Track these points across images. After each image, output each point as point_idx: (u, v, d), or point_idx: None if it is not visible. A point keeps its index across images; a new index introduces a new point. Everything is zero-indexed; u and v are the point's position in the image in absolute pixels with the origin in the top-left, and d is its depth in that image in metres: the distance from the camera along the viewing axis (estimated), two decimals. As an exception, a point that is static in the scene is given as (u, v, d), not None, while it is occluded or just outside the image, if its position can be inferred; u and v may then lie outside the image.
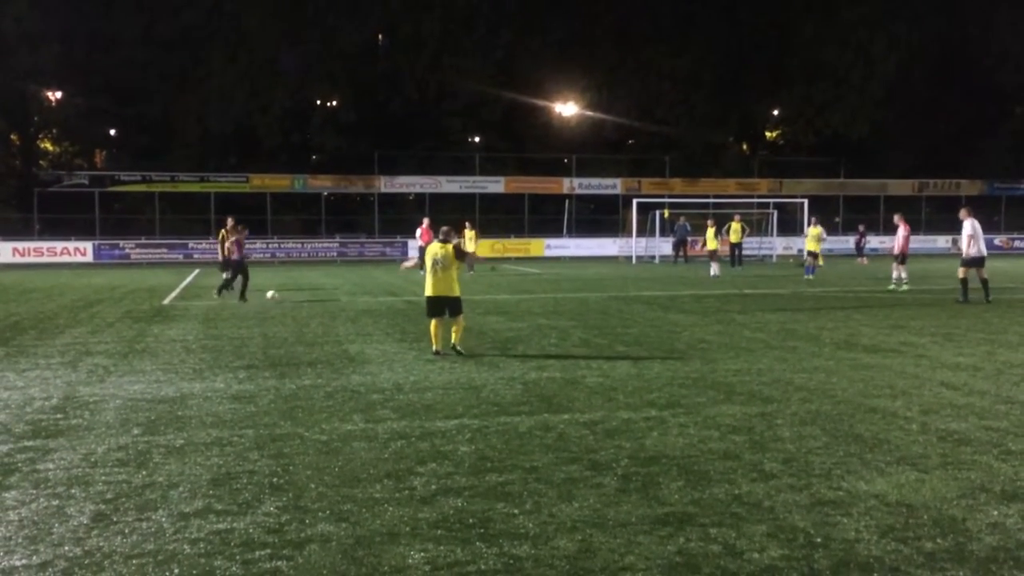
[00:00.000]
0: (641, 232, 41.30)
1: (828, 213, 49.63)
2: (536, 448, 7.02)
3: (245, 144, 48.67)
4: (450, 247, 11.63)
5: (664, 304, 18.82)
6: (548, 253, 44.11)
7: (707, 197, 46.03)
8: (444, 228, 12.08)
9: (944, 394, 8.98)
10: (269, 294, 20.05)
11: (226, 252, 21.10)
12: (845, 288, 23.16)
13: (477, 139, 55.72)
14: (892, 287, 22.55)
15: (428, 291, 11.67)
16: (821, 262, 26.86)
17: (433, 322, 11.66)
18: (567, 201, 46.85)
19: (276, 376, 10.28)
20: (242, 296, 19.77)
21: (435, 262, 11.58)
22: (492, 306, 18.59)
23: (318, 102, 53.81)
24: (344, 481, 6.18)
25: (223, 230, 21.57)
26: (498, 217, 46.91)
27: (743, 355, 11.58)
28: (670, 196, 45.40)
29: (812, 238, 27.27)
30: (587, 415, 8.14)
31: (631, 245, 41.22)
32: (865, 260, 36.80)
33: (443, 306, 11.62)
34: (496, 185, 46.90)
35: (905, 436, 7.31)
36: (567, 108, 52.98)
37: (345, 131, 50.50)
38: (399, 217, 47.69)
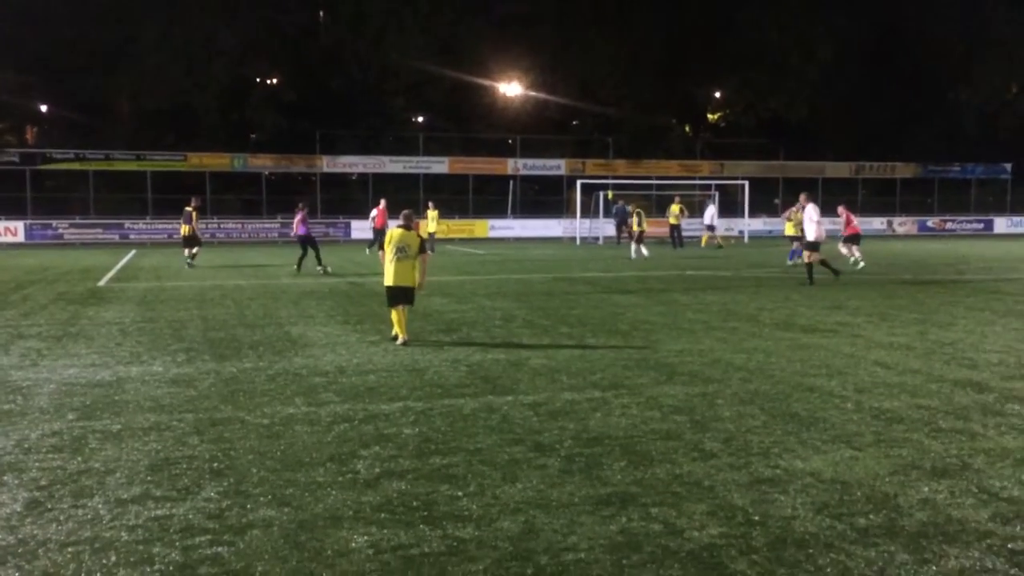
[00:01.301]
0: (585, 213, 41.54)
1: (768, 195, 50.48)
2: (480, 430, 7.03)
3: (182, 122, 47.67)
4: (414, 235, 11.11)
5: (607, 285, 18.95)
6: (493, 234, 44.12)
7: (650, 179, 46.46)
8: (405, 212, 11.45)
9: (878, 373, 9.21)
10: (326, 269, 21.89)
11: (192, 228, 24.21)
12: (783, 269, 23.56)
13: (421, 119, 55.33)
14: (858, 264, 23.52)
15: (388, 280, 11.08)
16: (858, 253, 25.88)
17: (394, 311, 11.21)
18: (511, 182, 46.86)
19: (216, 359, 10.14)
20: (320, 265, 22.04)
21: (397, 249, 11.01)
22: (436, 288, 18.52)
23: (258, 80, 52.87)
24: (286, 465, 6.13)
25: (189, 208, 24.36)
26: (442, 198, 46.56)
27: (685, 336, 11.73)
28: (614, 177, 45.74)
29: (791, 225, 26.87)
30: (531, 397, 8.17)
31: (575, 226, 41.43)
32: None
33: (403, 295, 11.13)
34: (440, 165, 46.69)
35: (840, 415, 7.48)
36: (511, 88, 52.91)
37: (286, 110, 49.77)
38: (342, 197, 47.25)
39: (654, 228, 41.56)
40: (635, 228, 28.76)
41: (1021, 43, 55.35)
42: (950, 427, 7.08)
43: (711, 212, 35.86)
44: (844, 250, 24.30)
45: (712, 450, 6.46)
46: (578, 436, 6.84)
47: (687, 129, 62.42)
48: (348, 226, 43.06)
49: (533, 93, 53.36)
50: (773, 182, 51.36)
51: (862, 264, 23.48)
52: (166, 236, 39.55)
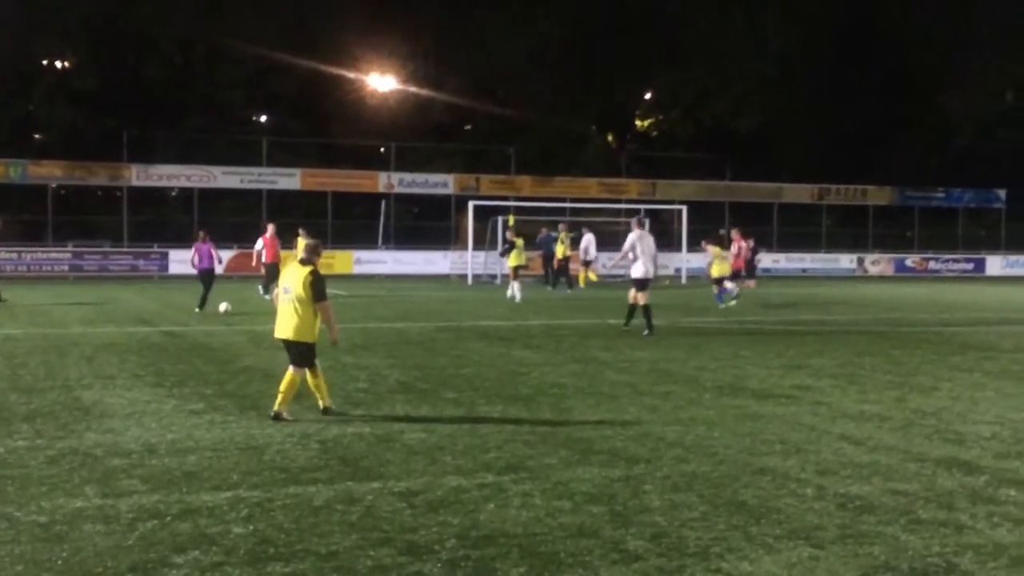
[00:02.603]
0: (479, 244, 41.73)
1: (711, 223, 51.71)
2: (336, 527, 6.94)
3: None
4: (305, 274, 10.72)
5: (507, 337, 19.03)
6: (358, 270, 43.94)
7: (563, 200, 47.02)
8: (310, 243, 11.17)
9: (845, 450, 9.47)
10: (222, 307, 23.04)
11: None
12: (731, 318, 24.11)
13: (264, 118, 54.92)
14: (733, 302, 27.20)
15: (276, 329, 11.02)
16: (737, 291, 28.76)
17: (289, 373, 10.94)
18: (383, 202, 46.80)
19: (-23, 435, 9.76)
20: (201, 307, 23.49)
21: (284, 290, 10.88)
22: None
23: (44, 62, 51.70)
24: (71, 578, 5.93)
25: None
26: (293, 221, 46.16)
27: (605, 403, 11.84)
28: (516, 198, 46.11)
29: (716, 261, 28.64)
30: (404, 483, 8.10)
31: (466, 260, 41.57)
32: (753, 283, 38.52)
33: (289, 351, 10.93)
34: (290, 179, 46.37)
35: (798, 503, 7.65)
36: (384, 82, 53.08)
37: (82, 102, 48.77)
38: (157, 219, 46.34)
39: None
40: (514, 262, 30.29)
41: (1020, 41, 57.98)
42: (932, 518, 7.31)
43: (588, 241, 37.50)
44: (731, 285, 27.64)
45: (637, 550, 6.50)
46: (464, 534, 6.80)
47: (610, 139, 63.67)
48: (165, 257, 42.21)
49: (413, 89, 53.68)
50: (717, 207, 52.60)
51: (733, 303, 26.94)
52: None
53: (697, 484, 8.15)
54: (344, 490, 7.89)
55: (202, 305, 23.74)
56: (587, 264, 37.37)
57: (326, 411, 10.93)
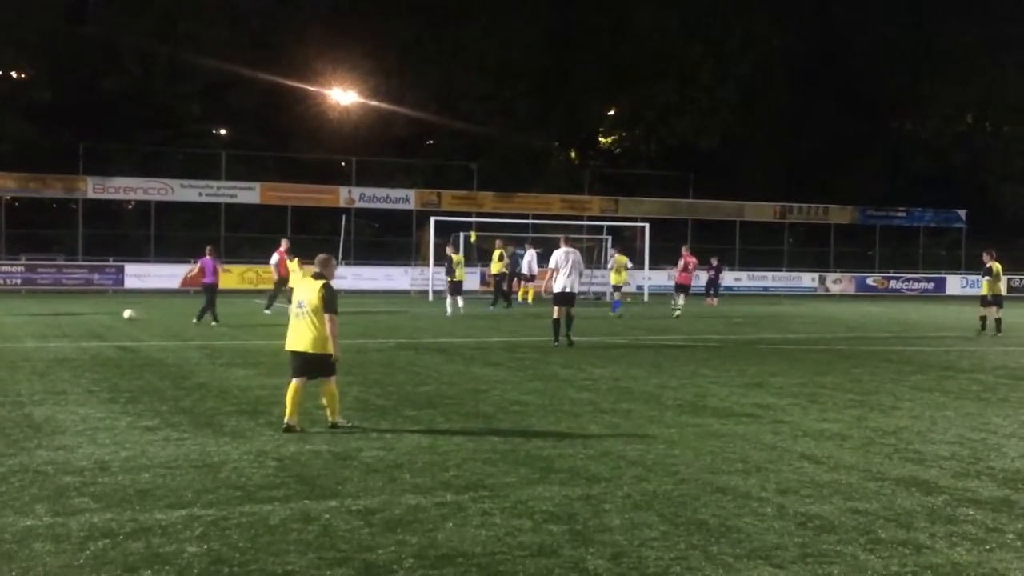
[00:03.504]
0: (440, 260, 41.69)
1: (674, 240, 51.98)
2: (292, 546, 6.90)
3: None
4: (319, 287, 11.00)
5: (468, 354, 19.02)
6: (317, 286, 43.72)
7: (526, 217, 47.16)
8: (321, 257, 11.49)
9: (805, 469, 9.53)
10: (127, 313, 24.22)
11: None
12: (692, 336, 24.24)
13: (223, 131, 54.66)
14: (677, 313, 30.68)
15: (289, 343, 11.12)
16: (682, 303, 31.72)
17: (294, 383, 11.03)
18: (344, 217, 46.66)
19: (-76, 452, 9.63)
20: (200, 319, 24.48)
21: (298, 304, 11.07)
22: (238, 355, 18.18)
23: (-1, 73, 51.27)
24: (19, 598, 5.85)
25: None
26: (251, 236, 46.10)
27: (565, 421, 11.86)
28: (479, 214, 46.19)
29: (616, 268, 32.26)
30: (362, 501, 8.07)
31: (427, 277, 41.54)
32: (715, 300, 38.80)
33: (307, 365, 11.04)
34: (249, 193, 46.18)
35: (758, 522, 7.69)
36: (345, 96, 53.00)
37: (37, 114, 48.38)
38: (114, 233, 45.95)
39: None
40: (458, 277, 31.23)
41: (976, 62, 59.08)
42: (891, 537, 7.37)
43: (530, 257, 38.61)
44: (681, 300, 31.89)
45: (597, 570, 6.51)
46: (423, 553, 6.78)
47: (572, 155, 63.92)
48: (121, 271, 41.87)
49: (374, 103, 53.62)
50: (679, 224, 52.95)
51: (678, 314, 30.48)
52: None
53: (657, 503, 8.17)
54: (301, 508, 7.85)
55: (203, 316, 24.54)
56: (529, 280, 38.26)
57: (338, 425, 11.18)
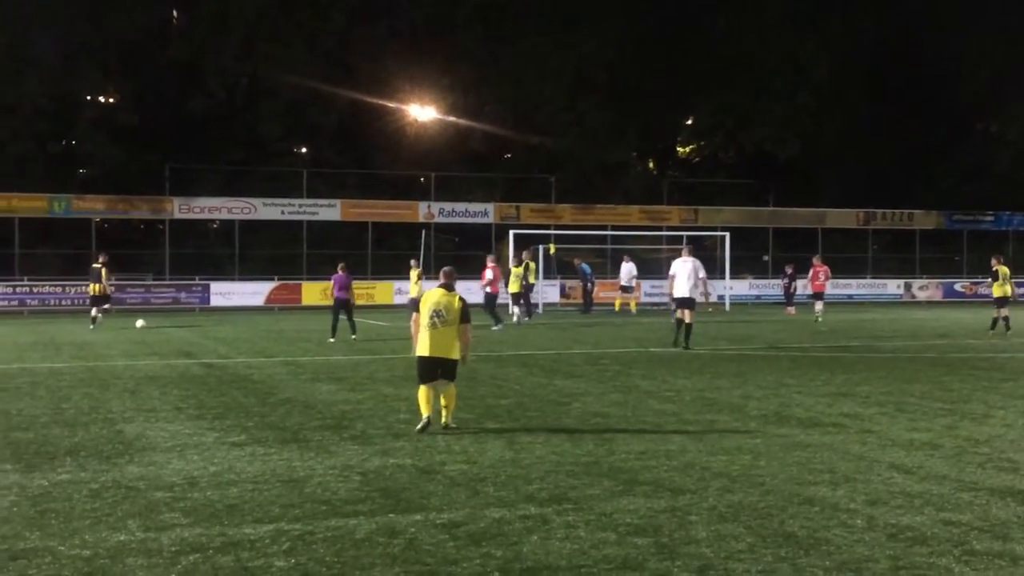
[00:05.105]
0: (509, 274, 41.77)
1: (754, 249, 51.52)
2: (378, 560, 6.92)
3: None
4: (457, 298, 12.07)
5: (549, 366, 19.00)
6: (399, 300, 44.03)
7: (604, 229, 47.06)
8: (446, 269, 12.57)
9: (895, 479, 9.35)
10: (139, 323, 26.58)
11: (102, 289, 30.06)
12: (775, 345, 23.96)
13: (304, 150, 55.35)
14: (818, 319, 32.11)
15: (422, 350, 11.89)
16: (820, 308, 33.57)
17: (423, 388, 11.85)
18: (424, 232, 46.96)
19: (21, 469, 9.85)
20: (353, 333, 25.27)
21: (435, 314, 11.87)
22: (322, 370, 18.35)
23: (87, 97, 52.44)
24: (113, 612, 5.95)
25: (97, 264, 30.40)
26: (333, 252, 46.54)
27: (648, 433, 11.78)
28: (557, 227, 46.20)
29: (515, 278, 32.72)
30: (446, 515, 8.09)
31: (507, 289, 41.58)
32: (793, 309, 38.35)
33: (438, 369, 11.88)
34: (330, 210, 46.69)
35: (848, 534, 7.55)
36: (423, 112, 53.38)
37: (124, 137, 49.38)
38: (199, 252, 46.74)
39: (612, 292, 42.53)
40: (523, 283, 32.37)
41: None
42: (986, 549, 7.20)
43: (629, 270, 38.91)
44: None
45: (683, 583, 6.45)
46: (508, 567, 6.77)
47: (651, 166, 63.66)
48: (206, 290, 42.58)
49: (452, 119, 53.93)
50: (760, 233, 52.45)
51: (819, 320, 32.32)
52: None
53: (744, 515, 8.08)
54: (386, 522, 7.88)
55: (335, 333, 24.92)
56: (626, 290, 38.92)
57: (447, 426, 11.87)
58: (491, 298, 30.52)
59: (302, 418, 12.80)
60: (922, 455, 10.47)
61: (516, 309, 32.40)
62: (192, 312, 40.54)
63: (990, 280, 29.57)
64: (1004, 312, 27.38)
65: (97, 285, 30.18)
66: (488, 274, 31.23)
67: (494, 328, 28.25)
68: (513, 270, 32.69)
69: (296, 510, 8.28)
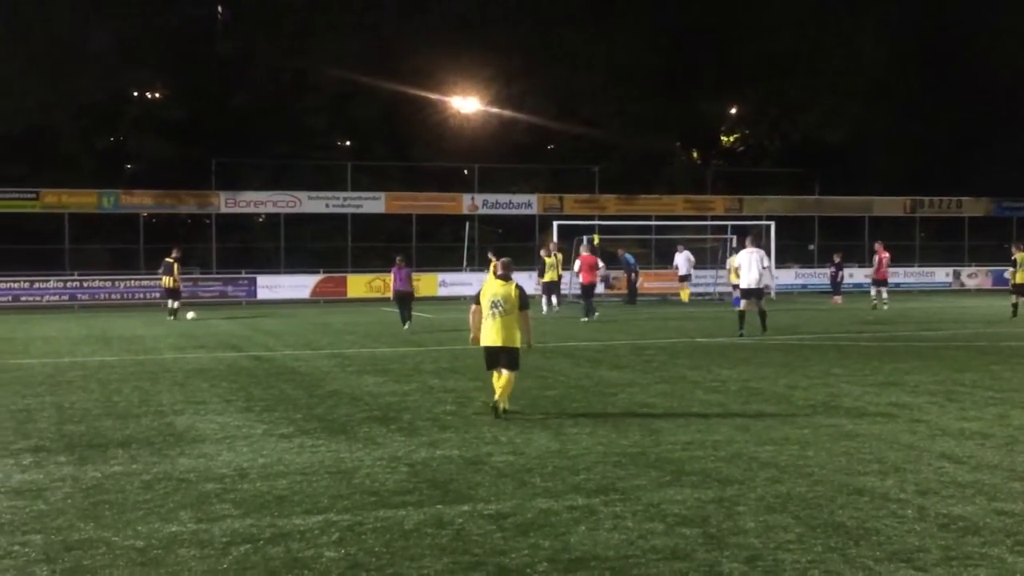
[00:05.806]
0: (565, 264, 41.69)
1: (800, 238, 51.11)
2: (427, 551, 6.97)
3: (34, 149, 47.47)
4: (513, 287, 12.48)
5: (594, 357, 18.98)
6: (443, 292, 44.16)
7: (648, 218, 46.89)
8: (504, 260, 13.01)
9: (946, 469, 9.28)
10: (190, 315, 28.30)
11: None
12: (822, 334, 23.79)
13: (349, 143, 55.57)
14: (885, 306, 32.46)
15: (485, 340, 12.45)
16: (885, 296, 33.63)
17: (495, 374, 12.47)
18: (468, 224, 47.07)
19: (75, 461, 9.99)
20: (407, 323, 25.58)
21: (492, 304, 12.35)
22: (368, 362, 18.45)
23: (135, 93, 52.96)
24: (167, 602, 6.03)
25: (169, 259, 31.56)
26: (377, 245, 46.79)
27: (695, 423, 11.75)
28: (601, 217, 46.10)
29: (549, 268, 32.80)
30: (493, 505, 8.12)
31: (551, 281, 41.56)
32: (840, 299, 38.06)
33: (501, 356, 12.37)
34: (375, 203, 46.82)
35: (898, 524, 7.51)
36: (466, 104, 53.42)
37: (172, 132, 49.78)
38: (245, 245, 47.07)
39: (655, 283, 42.52)
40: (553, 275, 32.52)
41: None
42: (1040, 538, 7.13)
43: (684, 259, 39.43)
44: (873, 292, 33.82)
45: (731, 573, 6.44)
46: (556, 557, 6.79)
47: (695, 155, 63.28)
48: (253, 283, 42.87)
49: (495, 110, 53.92)
50: (806, 222, 51.97)
51: (886, 307, 32.77)
52: (9, 298, 39.17)
53: (792, 505, 8.05)
54: (434, 513, 7.93)
55: (405, 322, 25.60)
56: (684, 279, 39.49)
57: (503, 412, 12.19)
58: (586, 289, 30.74)
59: (349, 410, 12.88)
60: (973, 444, 10.37)
61: (553, 299, 32.62)
62: (239, 305, 40.85)
63: (1012, 270, 29.92)
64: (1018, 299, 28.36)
65: (169, 278, 31.34)
66: (577, 264, 32.00)
67: (583, 320, 28.67)
68: (546, 260, 32.69)
69: (345, 501, 8.34)
